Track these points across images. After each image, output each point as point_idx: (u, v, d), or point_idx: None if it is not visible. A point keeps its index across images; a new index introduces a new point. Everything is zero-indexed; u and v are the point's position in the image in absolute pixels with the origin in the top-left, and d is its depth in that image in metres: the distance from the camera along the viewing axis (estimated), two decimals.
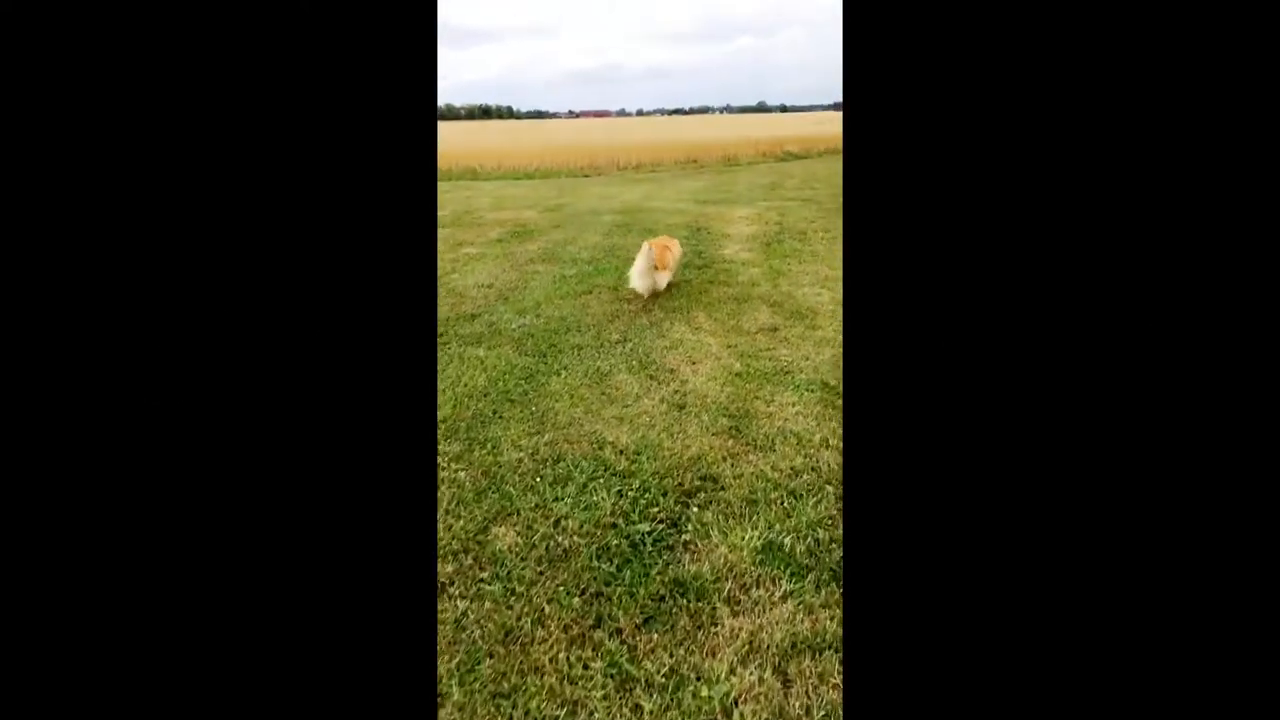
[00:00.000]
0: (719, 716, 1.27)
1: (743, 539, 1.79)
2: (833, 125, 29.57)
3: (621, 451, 2.27)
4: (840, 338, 3.55)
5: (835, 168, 14.09)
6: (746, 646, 1.43)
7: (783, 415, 2.56)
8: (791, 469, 2.14)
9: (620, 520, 1.89)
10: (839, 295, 4.22)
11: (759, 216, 7.42)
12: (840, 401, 2.73)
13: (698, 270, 4.86)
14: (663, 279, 3.97)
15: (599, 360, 3.12)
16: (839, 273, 4.74)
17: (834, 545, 1.76)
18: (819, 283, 4.52)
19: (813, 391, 2.79)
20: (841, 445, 2.31)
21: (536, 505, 1.97)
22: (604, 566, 1.69)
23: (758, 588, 1.61)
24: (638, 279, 3.94)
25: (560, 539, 1.81)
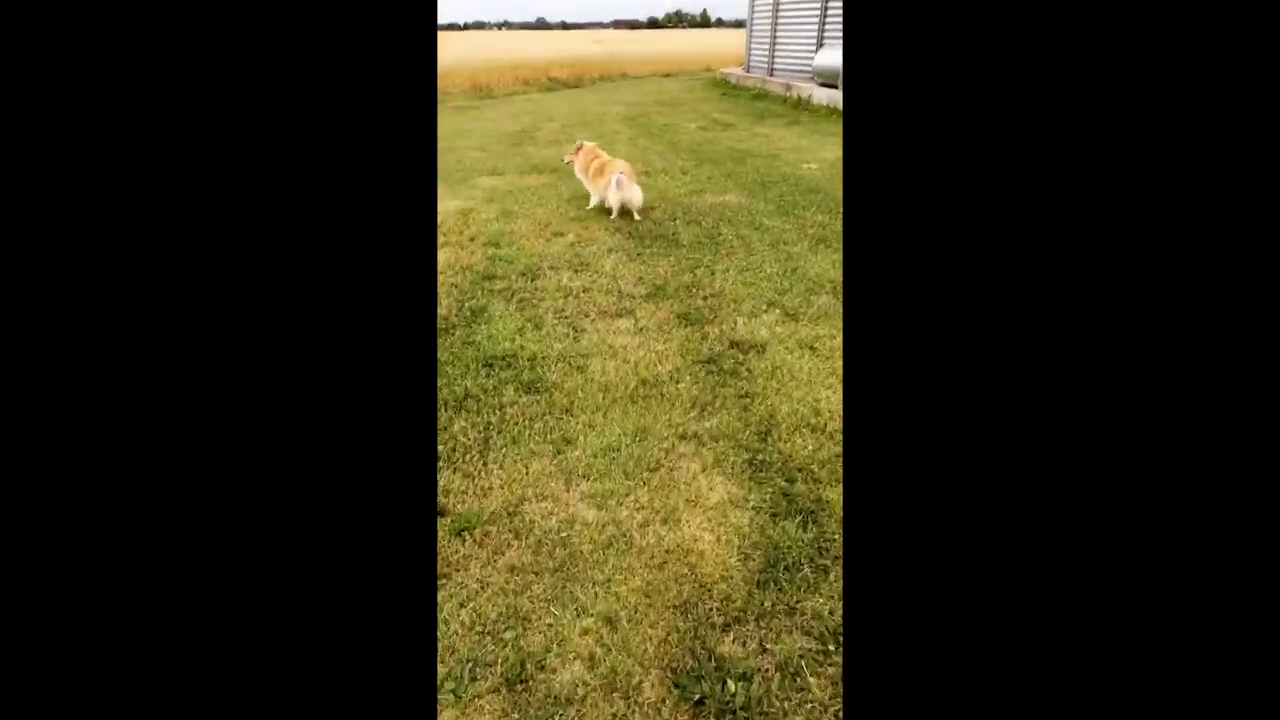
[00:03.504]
0: None
1: None
2: (611, 44, 26.10)
3: None
4: None
5: (609, 100, 10.89)
6: None
7: None
8: None
9: None
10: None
11: (469, 219, 4.02)
12: None
13: None
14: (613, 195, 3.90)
15: None
16: (618, 425, 1.64)
17: None
18: (594, 498, 1.36)
19: None
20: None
21: None
22: None
23: None
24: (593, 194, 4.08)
25: None
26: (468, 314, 2.70)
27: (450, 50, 17.81)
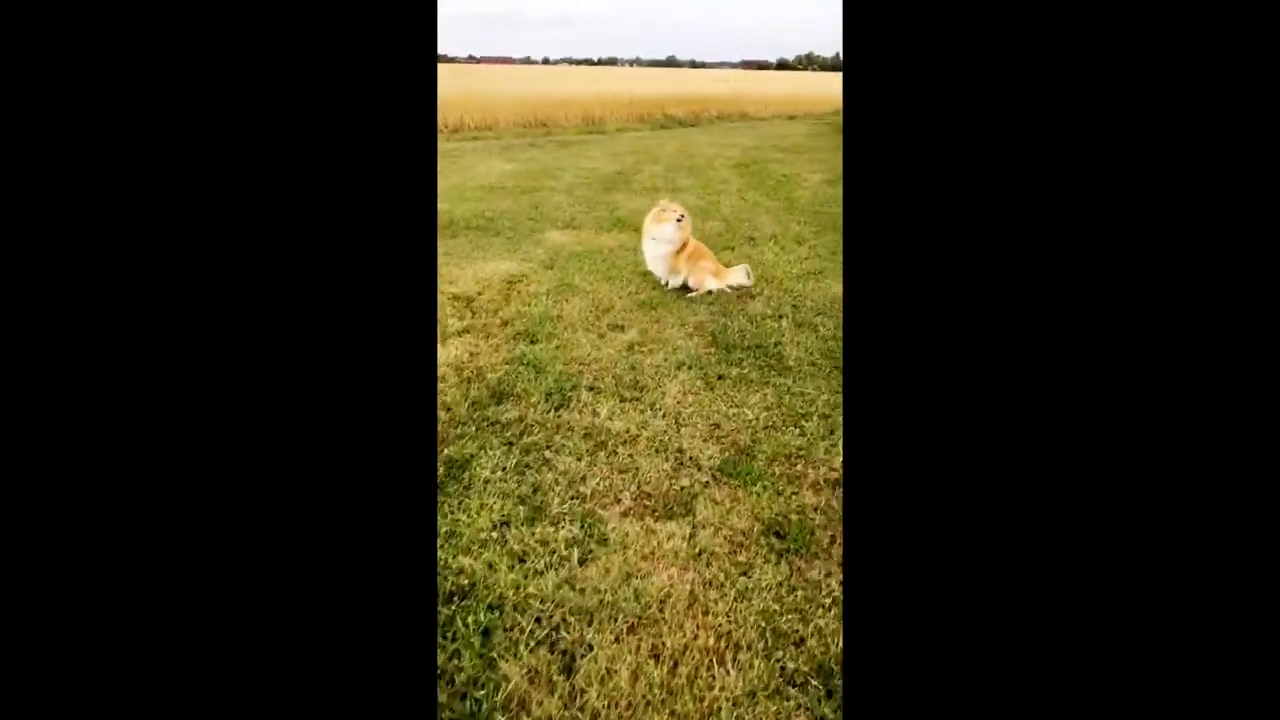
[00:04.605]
0: None
1: None
2: (736, 84, 25.44)
3: None
4: None
5: (723, 142, 9.97)
6: None
7: None
8: None
9: None
10: None
11: (513, 292, 3.15)
12: None
13: None
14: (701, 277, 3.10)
15: None
16: None
17: None
18: None
19: None
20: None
21: None
22: None
23: None
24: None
25: None
26: (441, 470, 1.76)
27: (570, 85, 17.74)
